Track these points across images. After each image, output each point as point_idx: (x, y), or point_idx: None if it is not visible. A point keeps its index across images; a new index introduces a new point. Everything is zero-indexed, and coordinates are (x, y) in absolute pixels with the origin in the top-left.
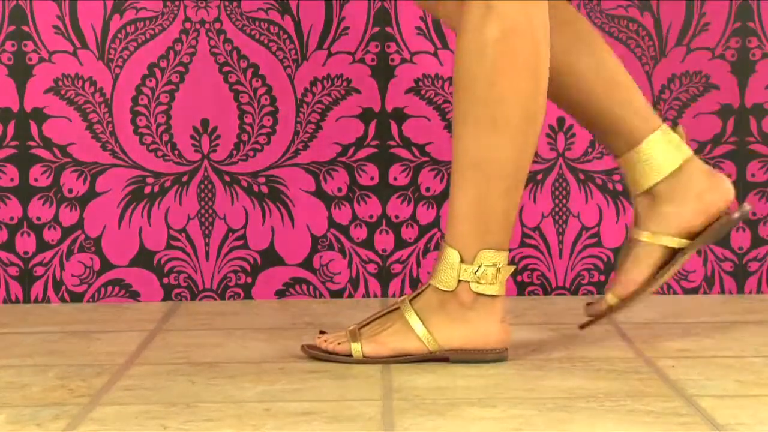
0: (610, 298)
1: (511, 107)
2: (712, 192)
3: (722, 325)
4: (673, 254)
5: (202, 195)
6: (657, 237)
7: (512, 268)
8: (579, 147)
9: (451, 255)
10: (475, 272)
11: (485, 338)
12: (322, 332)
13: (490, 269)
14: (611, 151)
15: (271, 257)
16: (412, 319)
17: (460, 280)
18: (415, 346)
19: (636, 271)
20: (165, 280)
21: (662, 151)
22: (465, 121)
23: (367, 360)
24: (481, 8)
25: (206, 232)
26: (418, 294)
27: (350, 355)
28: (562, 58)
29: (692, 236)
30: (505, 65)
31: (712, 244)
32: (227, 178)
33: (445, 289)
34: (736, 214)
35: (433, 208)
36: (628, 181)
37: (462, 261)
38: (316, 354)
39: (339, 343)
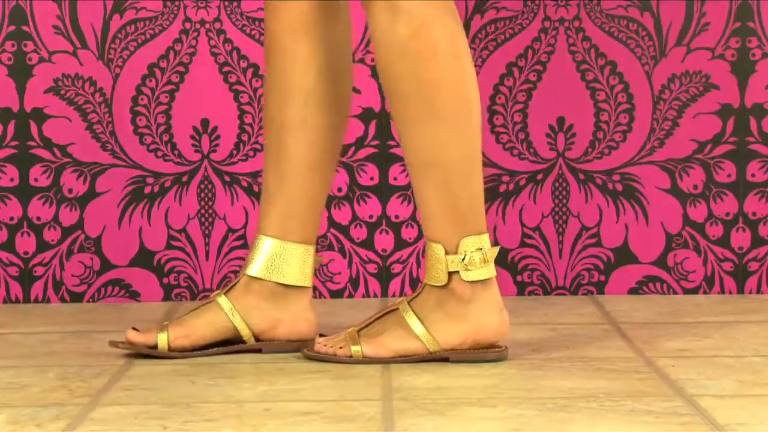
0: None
1: (444, 97)
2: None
3: (722, 325)
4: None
5: (202, 195)
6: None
7: (497, 248)
8: (579, 147)
9: (436, 250)
10: (463, 260)
11: (484, 331)
12: (321, 335)
13: (477, 254)
14: None
15: None
16: (411, 319)
17: (450, 272)
18: (415, 346)
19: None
20: (165, 280)
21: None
22: (405, 122)
23: (367, 360)
24: (387, 8)
25: (206, 232)
26: (416, 295)
27: (350, 356)
28: None
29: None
30: (427, 57)
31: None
32: (227, 178)
33: (438, 284)
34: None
35: None
36: None
37: (447, 253)
38: (316, 357)
39: (340, 347)
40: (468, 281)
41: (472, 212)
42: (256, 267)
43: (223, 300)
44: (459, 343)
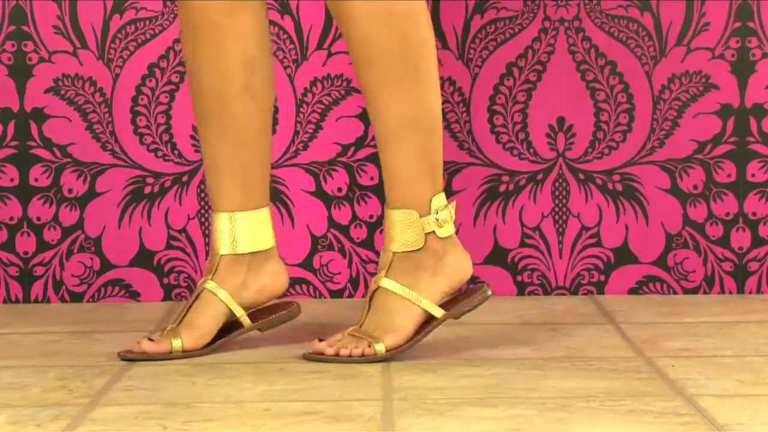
0: (380, 348)
1: (428, 57)
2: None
3: (722, 325)
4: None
5: (202, 195)
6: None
7: (455, 203)
8: (579, 147)
9: (409, 215)
10: (437, 220)
11: (464, 272)
12: (320, 339)
13: (445, 211)
14: None
15: None
16: (399, 288)
17: (426, 234)
18: (418, 313)
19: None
20: (165, 280)
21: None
22: (389, 88)
23: (391, 354)
24: None
25: (206, 232)
26: (388, 268)
27: (375, 354)
28: None
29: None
30: (416, 19)
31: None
32: None
33: (415, 248)
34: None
35: None
36: None
37: (421, 216)
38: (330, 359)
39: (369, 345)
40: (441, 237)
41: (439, 170)
42: (227, 245)
43: (212, 285)
44: (448, 291)
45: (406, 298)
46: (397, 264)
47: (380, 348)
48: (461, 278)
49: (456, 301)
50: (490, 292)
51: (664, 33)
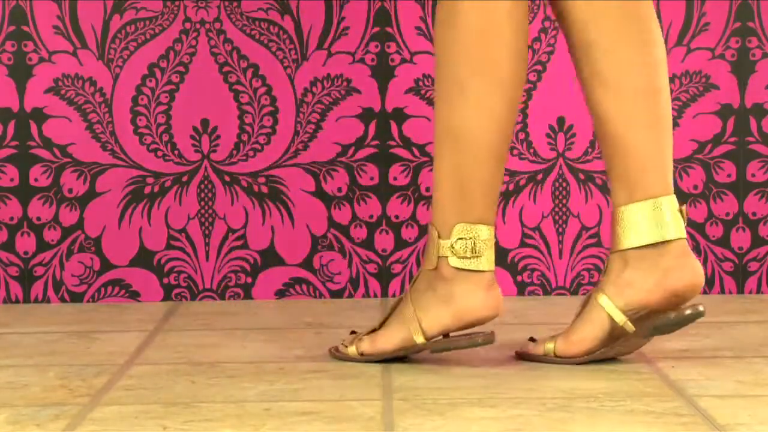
0: (550, 348)
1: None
2: (679, 270)
3: (722, 325)
4: (621, 330)
5: (202, 195)
6: (609, 306)
7: (492, 242)
8: (579, 147)
9: (432, 233)
10: (451, 246)
11: (474, 312)
12: (353, 332)
13: (463, 242)
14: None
15: (271, 257)
16: (407, 302)
17: (439, 257)
18: (400, 337)
19: (585, 334)
20: (165, 280)
21: (640, 222)
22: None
23: (363, 358)
24: None
25: (206, 232)
26: (415, 279)
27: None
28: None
29: (646, 312)
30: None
31: (651, 336)
32: (227, 178)
33: (429, 267)
34: (688, 311)
35: None
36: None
37: (440, 237)
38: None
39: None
40: (452, 266)
41: (477, 197)
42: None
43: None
44: (449, 325)
45: (404, 313)
46: (419, 278)
47: (359, 348)
48: (466, 318)
49: (453, 339)
50: (480, 341)
51: (664, 33)
